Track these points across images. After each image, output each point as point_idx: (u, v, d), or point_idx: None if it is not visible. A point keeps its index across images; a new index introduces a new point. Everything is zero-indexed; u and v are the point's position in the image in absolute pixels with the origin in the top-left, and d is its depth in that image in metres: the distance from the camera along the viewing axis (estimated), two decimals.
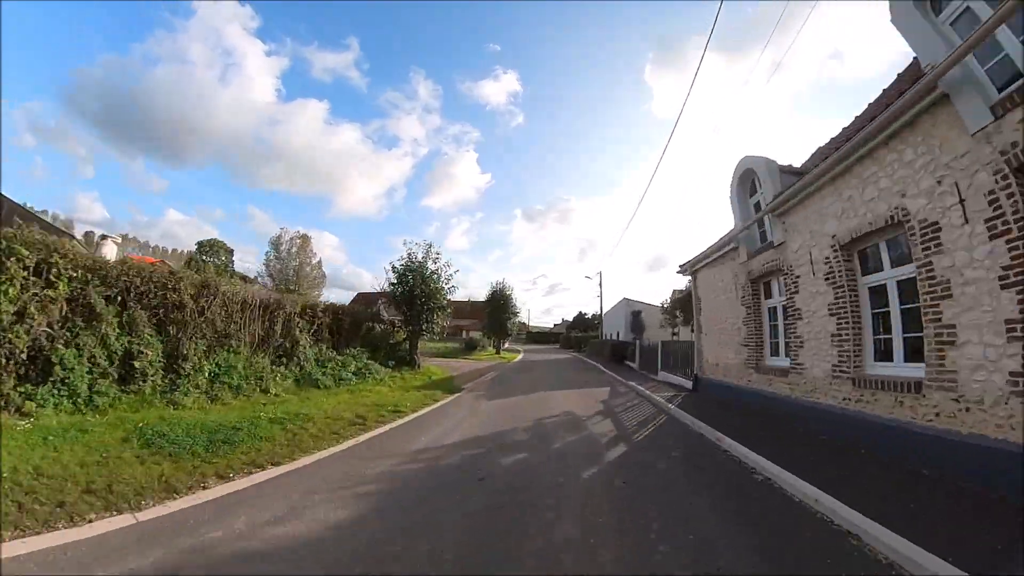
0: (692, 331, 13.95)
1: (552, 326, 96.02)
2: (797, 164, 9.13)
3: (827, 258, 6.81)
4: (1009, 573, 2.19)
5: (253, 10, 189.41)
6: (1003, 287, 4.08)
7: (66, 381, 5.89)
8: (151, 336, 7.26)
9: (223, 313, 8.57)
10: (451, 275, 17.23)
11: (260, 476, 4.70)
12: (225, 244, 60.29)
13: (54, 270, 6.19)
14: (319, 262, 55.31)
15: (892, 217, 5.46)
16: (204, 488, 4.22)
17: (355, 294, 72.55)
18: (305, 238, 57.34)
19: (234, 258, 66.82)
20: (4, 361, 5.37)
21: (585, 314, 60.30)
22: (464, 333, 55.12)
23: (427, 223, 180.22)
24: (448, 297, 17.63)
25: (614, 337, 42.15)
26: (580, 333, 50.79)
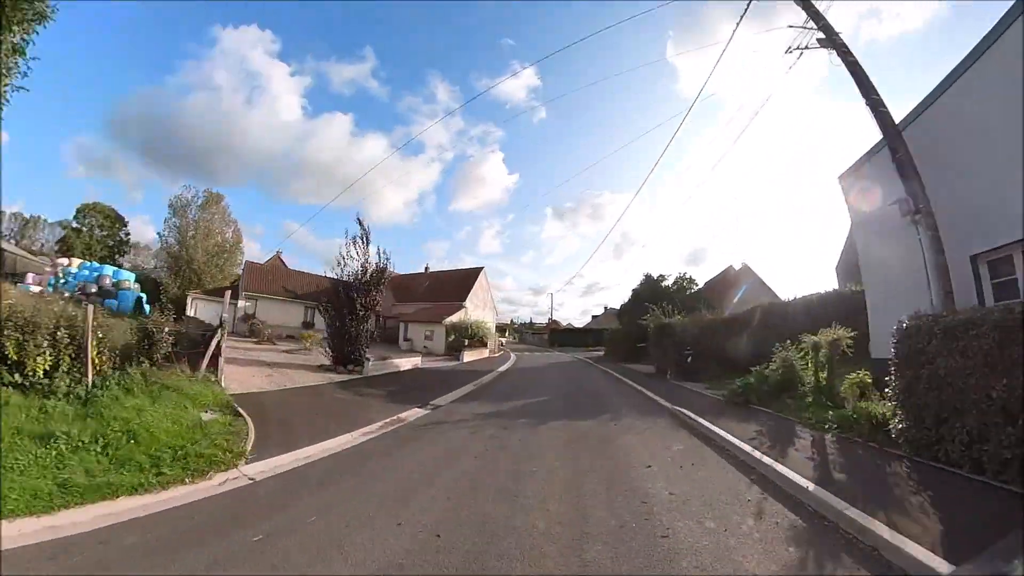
0: None
1: (590, 319, 62.83)
2: None
3: None
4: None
5: (273, 34, 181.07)
6: None
7: None
8: None
9: None
10: None
11: None
12: (114, 211, 46.29)
13: None
14: (236, 231, 40.95)
15: None
16: None
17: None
18: (215, 196, 40.39)
19: (128, 230, 48.86)
20: None
21: (661, 278, 26.87)
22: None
23: (458, 227, 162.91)
24: None
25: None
26: (661, 319, 17.00)
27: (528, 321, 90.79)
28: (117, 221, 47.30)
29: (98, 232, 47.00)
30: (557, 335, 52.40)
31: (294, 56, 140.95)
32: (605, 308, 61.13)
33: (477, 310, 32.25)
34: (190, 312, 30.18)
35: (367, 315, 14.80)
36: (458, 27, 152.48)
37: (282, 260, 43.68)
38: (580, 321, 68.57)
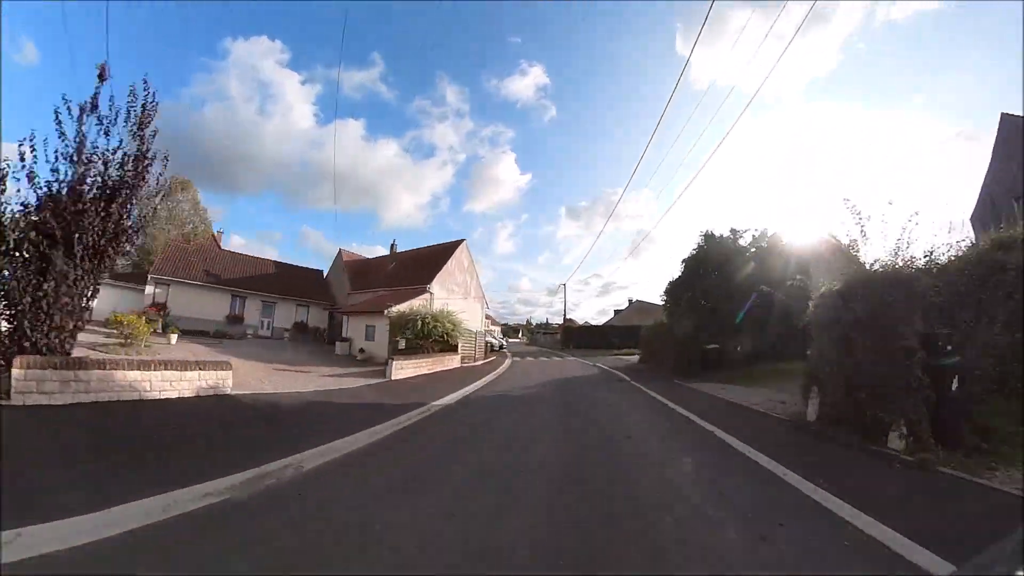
0: None
1: (612, 315, 52.35)
2: None
3: None
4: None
5: (283, 44, 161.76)
6: None
7: None
8: None
9: None
10: None
11: None
12: None
13: None
14: (203, 219, 38.44)
15: None
16: None
17: None
18: (182, 182, 37.22)
19: None
20: None
21: (735, 234, 16.22)
22: None
23: (472, 228, 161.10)
24: None
25: None
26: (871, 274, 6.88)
27: (544, 321, 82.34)
28: None
29: None
30: (572, 335, 42.11)
31: (304, 65, 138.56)
32: (630, 301, 50.65)
33: (453, 297, 22.49)
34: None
35: (62, 260, 5.38)
36: (464, 27, 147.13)
37: (216, 240, 35.04)
38: (597, 322, 58.15)
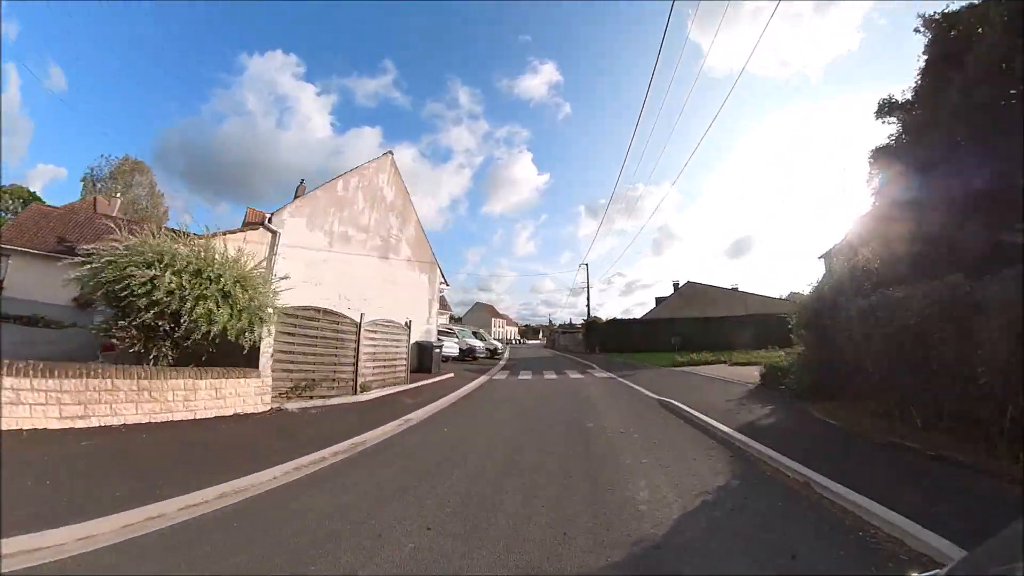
0: None
1: (654, 304, 39.45)
2: None
3: None
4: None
5: (298, 57, 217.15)
6: None
7: None
8: None
9: None
10: None
11: None
12: (32, 194, 34.65)
13: None
14: (158, 204, 36.65)
15: None
16: None
17: None
18: (135, 165, 35.89)
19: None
20: None
21: None
22: None
23: (491, 231, 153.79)
24: None
25: None
26: None
27: (568, 322, 71.04)
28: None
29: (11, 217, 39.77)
30: (598, 332, 29.79)
31: (319, 76, 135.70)
32: (676, 285, 37.84)
33: (349, 249, 10.90)
34: None
35: None
36: (472, 28, 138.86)
37: (95, 204, 24.75)
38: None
